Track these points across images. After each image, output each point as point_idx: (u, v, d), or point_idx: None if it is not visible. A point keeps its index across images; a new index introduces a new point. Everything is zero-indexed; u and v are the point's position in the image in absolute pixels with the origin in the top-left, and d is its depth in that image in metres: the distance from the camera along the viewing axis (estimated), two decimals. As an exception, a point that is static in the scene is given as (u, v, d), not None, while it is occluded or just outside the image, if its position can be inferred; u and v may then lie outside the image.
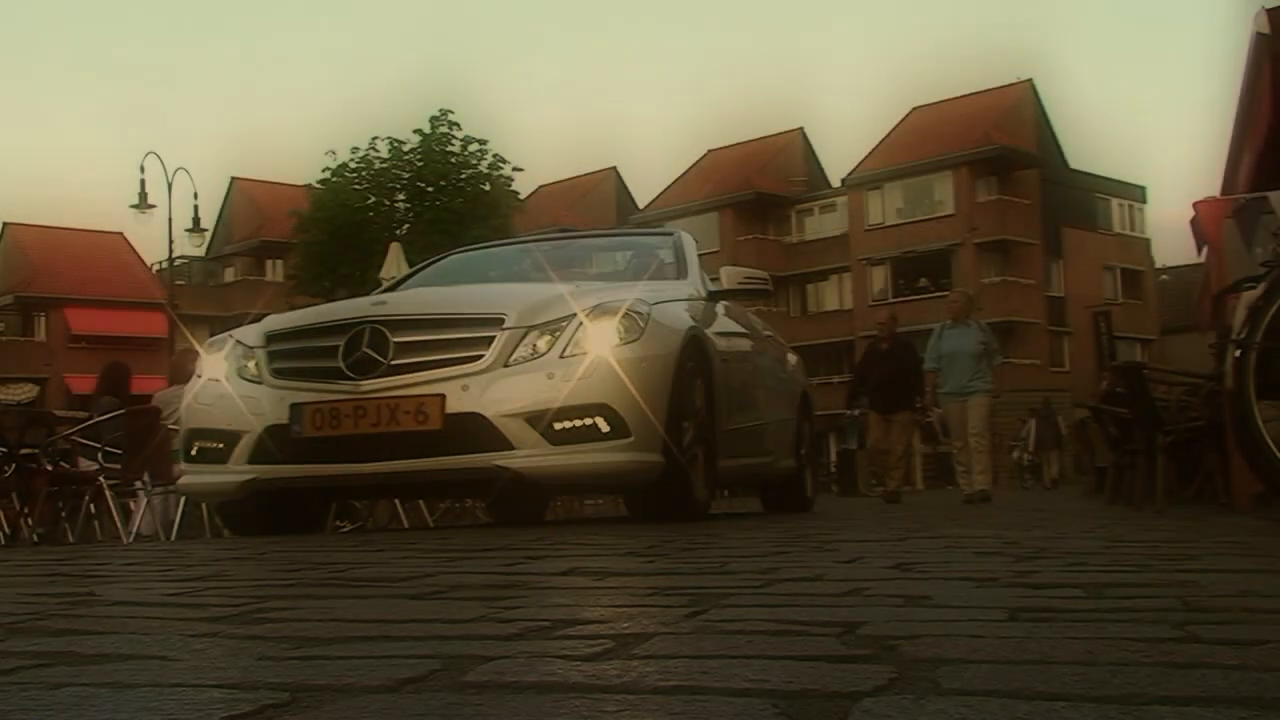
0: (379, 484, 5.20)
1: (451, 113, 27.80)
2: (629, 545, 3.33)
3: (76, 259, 48.70)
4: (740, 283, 6.45)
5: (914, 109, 50.73)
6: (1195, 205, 8.90)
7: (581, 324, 4.88)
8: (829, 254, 49.69)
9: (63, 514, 9.58)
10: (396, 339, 4.87)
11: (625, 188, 59.34)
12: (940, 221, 45.98)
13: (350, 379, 4.84)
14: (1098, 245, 48.89)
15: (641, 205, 55.18)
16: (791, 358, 8.29)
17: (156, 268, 49.55)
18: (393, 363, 4.82)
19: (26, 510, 9.95)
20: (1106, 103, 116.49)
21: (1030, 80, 49.29)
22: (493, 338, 4.86)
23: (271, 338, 5.22)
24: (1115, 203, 50.59)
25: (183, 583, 2.38)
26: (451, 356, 4.85)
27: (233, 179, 57.50)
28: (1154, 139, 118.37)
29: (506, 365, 4.81)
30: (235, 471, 5.04)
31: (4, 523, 10.28)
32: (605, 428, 4.77)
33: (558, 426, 4.74)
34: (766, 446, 6.93)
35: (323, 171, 27.72)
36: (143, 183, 25.05)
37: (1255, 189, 8.18)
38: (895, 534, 3.99)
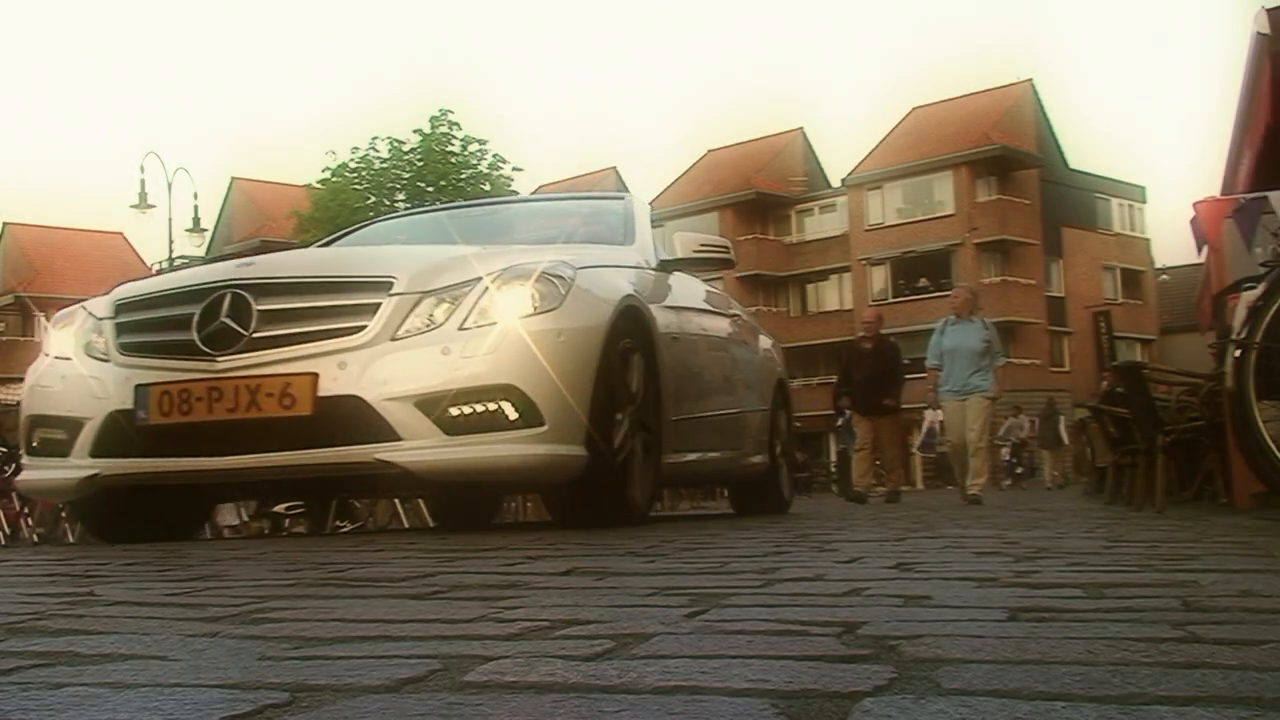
0: (238, 481, 4.40)
1: (451, 113, 27.84)
2: (629, 545, 3.33)
3: (76, 259, 48.72)
4: (696, 250, 5.57)
5: (914, 109, 50.75)
6: (1195, 205, 8.90)
7: (487, 290, 4.13)
8: (829, 254, 49.71)
9: (62, 514, 9.58)
10: (261, 306, 4.10)
11: (625, 188, 59.34)
12: (940, 221, 45.99)
13: (204, 355, 4.08)
14: (1098, 245, 48.92)
15: (641, 205, 55.08)
16: (765, 340, 7.40)
17: (156, 268, 49.55)
18: (255, 335, 4.06)
19: (26, 510, 9.93)
20: (1106, 103, 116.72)
21: (1030, 80, 49.35)
22: (378, 305, 4.10)
23: (121, 307, 4.45)
24: (1115, 203, 50.62)
25: (183, 583, 2.38)
26: (328, 328, 4.08)
27: (233, 179, 57.52)
28: (1154, 139, 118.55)
29: (394, 339, 4.06)
30: (76, 466, 4.28)
31: (4, 523, 10.27)
32: (513, 414, 4.03)
33: (455, 413, 4.00)
34: (731, 440, 6.20)
35: (323, 171, 27.78)
36: (143, 183, 25.07)
37: (1255, 189, 8.19)
38: (895, 534, 3.99)
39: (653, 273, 5.35)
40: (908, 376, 12.39)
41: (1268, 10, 7.26)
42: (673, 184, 54.81)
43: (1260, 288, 4.49)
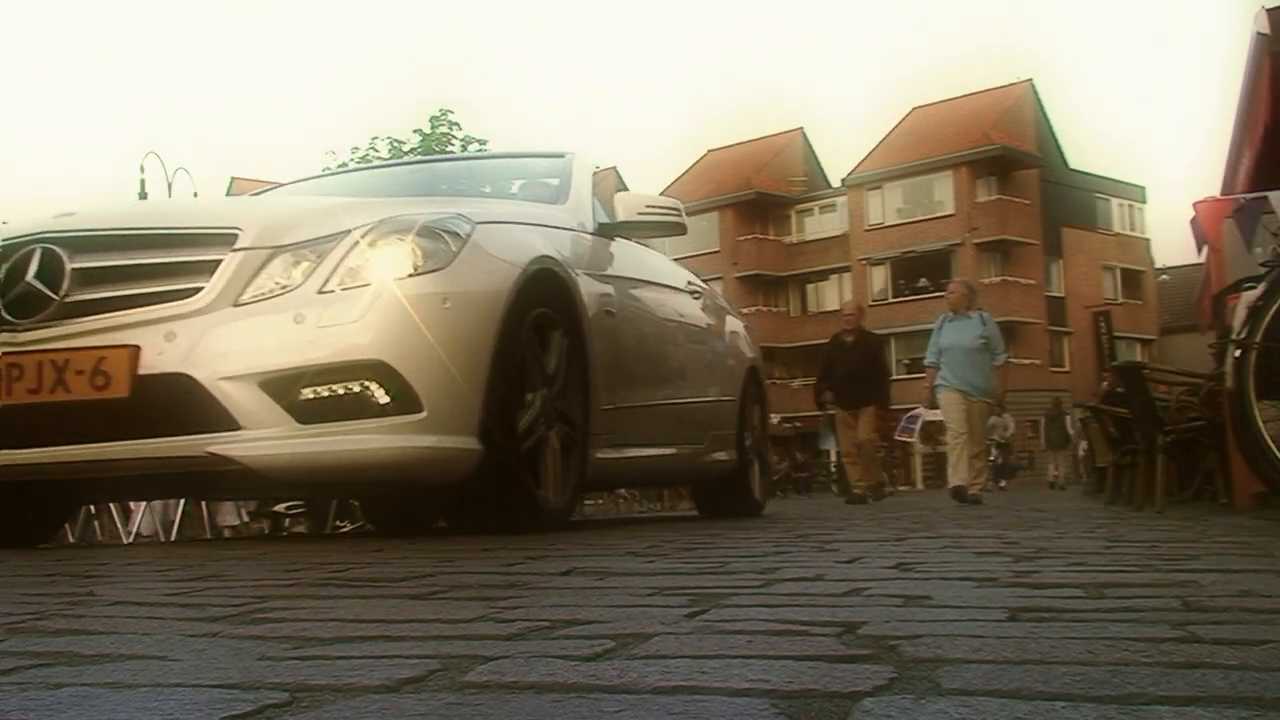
0: (43, 478, 3.58)
1: (451, 112, 27.92)
2: (629, 545, 3.33)
3: (76, 259, 48.64)
4: (641, 213, 4.84)
5: (914, 109, 50.79)
6: (1195, 205, 8.91)
7: (357, 245, 3.43)
8: (829, 254, 49.74)
9: (63, 514, 9.55)
10: (76, 265, 3.40)
11: (625, 187, 59.29)
12: (940, 221, 46.02)
13: (6, 324, 3.40)
14: (1098, 245, 48.96)
15: (641, 205, 55.20)
16: (735, 323, 6.54)
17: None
18: (67, 299, 3.38)
19: (26, 510, 9.86)
20: (1106, 103, 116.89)
21: (1030, 80, 49.39)
22: (218, 263, 3.37)
23: None
24: (1115, 203, 50.67)
25: (183, 583, 2.38)
26: (155, 290, 3.37)
27: (232, 179, 57.46)
28: (1154, 139, 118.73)
29: (237, 304, 3.35)
30: None
31: (4, 523, 10.20)
32: (382, 397, 3.36)
33: (310, 395, 3.31)
34: (687, 434, 5.47)
35: (322, 171, 27.80)
36: (143, 183, 25.01)
37: (1255, 189, 8.20)
38: (895, 534, 3.98)
39: (588, 237, 4.62)
40: (910, 377, 12.22)
41: (1268, 10, 7.26)
42: (673, 184, 54.78)
43: (1260, 288, 4.50)
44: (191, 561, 3.09)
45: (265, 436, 3.32)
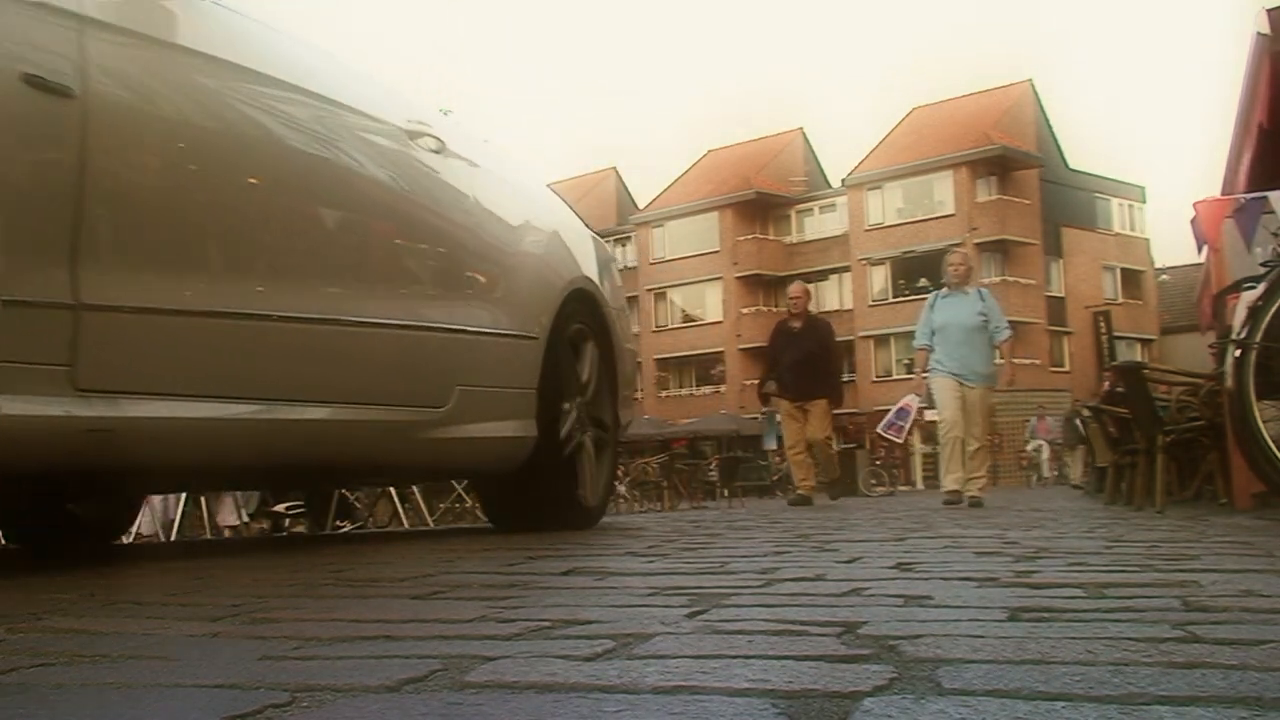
0: None
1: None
2: (629, 545, 3.33)
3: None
4: None
5: (914, 109, 50.85)
6: (1195, 205, 8.90)
7: None
8: (829, 254, 49.75)
9: (63, 514, 9.56)
10: None
11: (625, 187, 59.38)
12: (940, 221, 46.02)
13: None
14: (1098, 245, 48.96)
15: (641, 205, 55.27)
16: (551, 215, 4.25)
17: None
18: None
19: (26, 510, 9.90)
20: (1106, 102, 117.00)
21: (1030, 80, 49.42)
22: None
23: None
24: (1115, 202, 50.68)
25: (183, 583, 2.38)
26: None
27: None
28: (1154, 139, 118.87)
29: None
30: None
31: (4, 523, 10.26)
32: None
33: None
34: (381, 384, 3.25)
35: None
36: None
37: (1255, 189, 8.20)
38: (895, 534, 3.99)
39: None
40: (910, 378, 11.69)
41: (1268, 10, 7.26)
42: (673, 184, 54.83)
43: (1260, 288, 4.50)
44: (191, 561, 3.09)
45: None
